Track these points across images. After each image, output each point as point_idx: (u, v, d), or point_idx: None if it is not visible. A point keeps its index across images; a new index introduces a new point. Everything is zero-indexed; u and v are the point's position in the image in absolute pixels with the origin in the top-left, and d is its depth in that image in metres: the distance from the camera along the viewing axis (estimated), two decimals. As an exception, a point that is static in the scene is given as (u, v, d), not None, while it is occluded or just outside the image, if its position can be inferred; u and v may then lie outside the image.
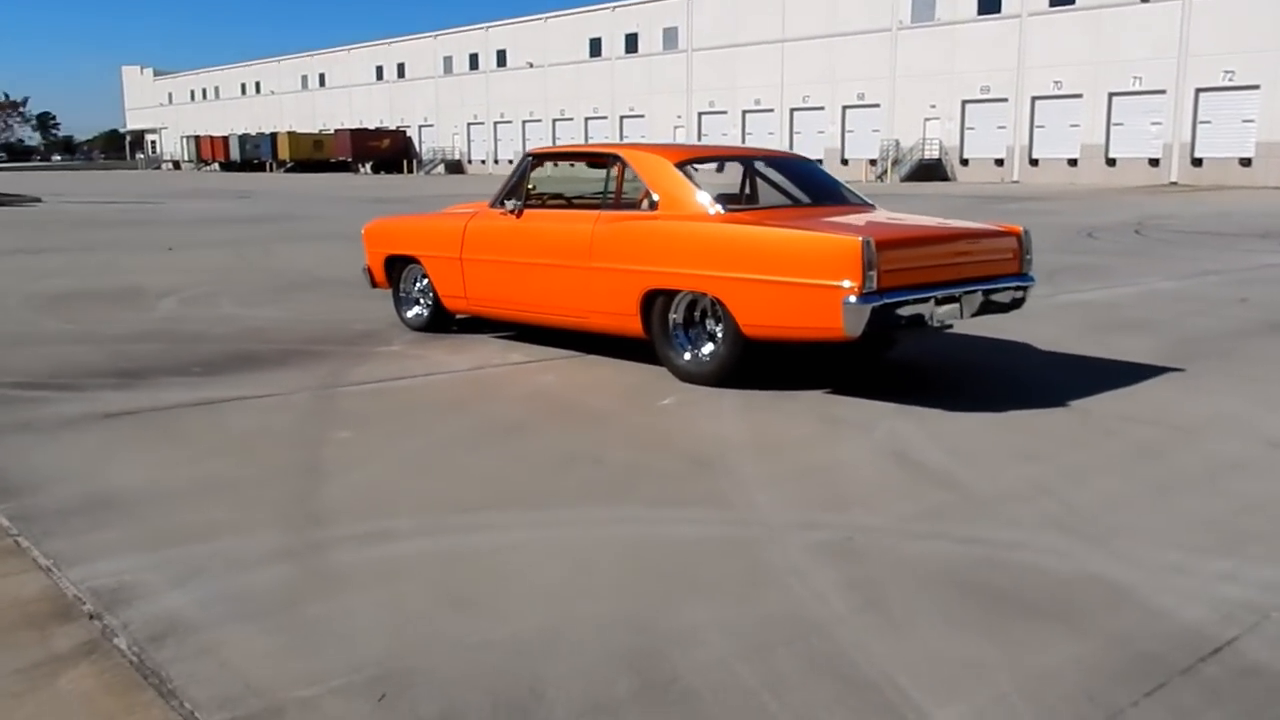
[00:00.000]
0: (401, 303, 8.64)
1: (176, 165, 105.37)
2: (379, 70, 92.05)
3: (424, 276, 8.34)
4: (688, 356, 6.58)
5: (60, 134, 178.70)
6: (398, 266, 8.57)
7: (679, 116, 69.09)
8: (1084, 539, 3.89)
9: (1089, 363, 7.29)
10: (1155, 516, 4.15)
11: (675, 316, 6.62)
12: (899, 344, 7.41)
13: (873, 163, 58.37)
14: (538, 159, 7.86)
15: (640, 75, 71.12)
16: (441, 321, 8.35)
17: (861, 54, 58.67)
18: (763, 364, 6.54)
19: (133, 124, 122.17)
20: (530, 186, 7.63)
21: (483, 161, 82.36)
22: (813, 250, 5.94)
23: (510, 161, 79.34)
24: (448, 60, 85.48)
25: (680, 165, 6.90)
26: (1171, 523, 4.07)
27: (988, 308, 6.56)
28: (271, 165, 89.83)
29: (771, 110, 64.12)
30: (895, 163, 56.90)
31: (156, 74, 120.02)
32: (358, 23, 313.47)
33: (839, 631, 3.07)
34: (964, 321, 6.37)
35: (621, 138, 72.18)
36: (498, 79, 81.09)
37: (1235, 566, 3.63)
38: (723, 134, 66.21)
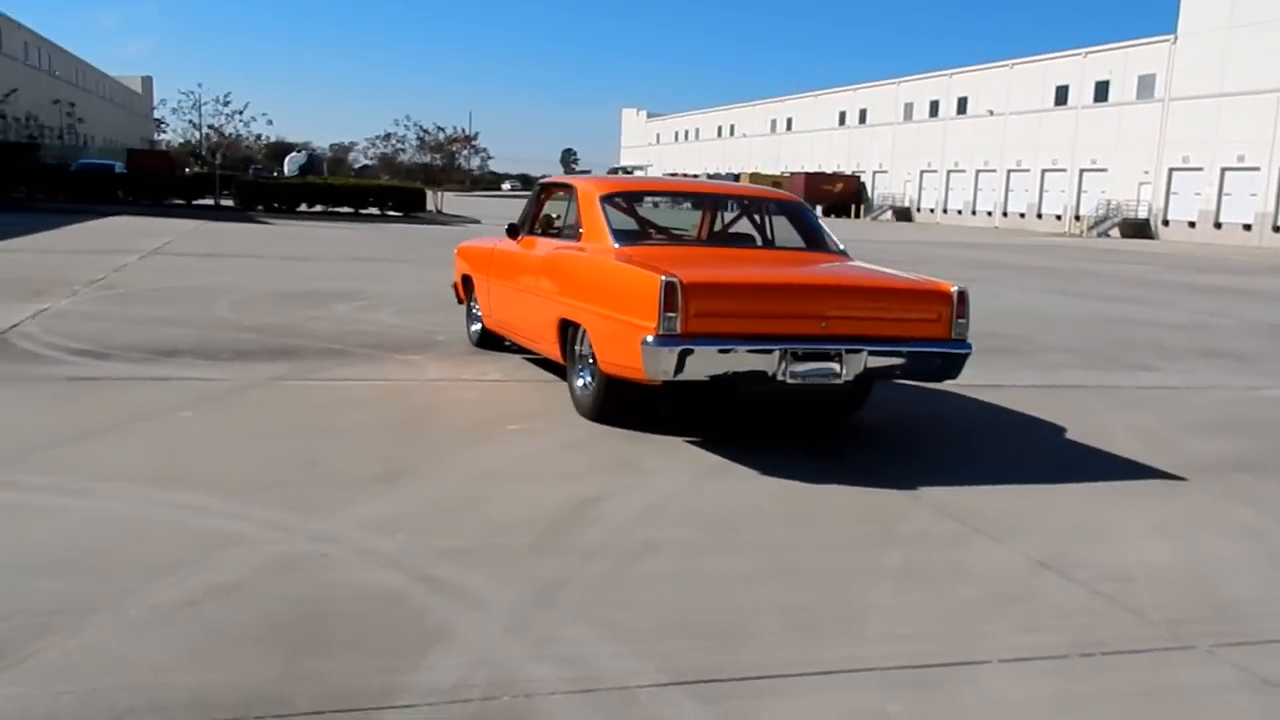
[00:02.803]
0: (468, 319, 9.29)
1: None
2: (841, 115, 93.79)
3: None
4: (579, 387, 6.58)
5: (578, 169, 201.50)
6: (469, 285, 9.22)
7: (1146, 172, 63.12)
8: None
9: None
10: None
11: (579, 348, 6.63)
12: (863, 405, 6.79)
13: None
14: (544, 188, 8.14)
15: (1106, 126, 65.99)
16: (492, 339, 8.80)
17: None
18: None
19: (624, 160, 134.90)
20: (549, 215, 7.79)
21: (931, 210, 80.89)
22: (632, 287, 5.77)
23: (959, 211, 77.17)
24: (908, 107, 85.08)
25: (608, 198, 6.91)
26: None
27: (896, 372, 5.90)
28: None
29: (1258, 169, 56.34)
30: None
31: (649, 116, 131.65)
32: (827, 70, 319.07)
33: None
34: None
35: (1080, 192, 67.55)
36: (955, 126, 79.30)
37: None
38: (1195, 193, 59.54)
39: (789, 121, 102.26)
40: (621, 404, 6.31)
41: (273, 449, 5.45)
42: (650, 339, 5.45)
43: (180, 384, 6.88)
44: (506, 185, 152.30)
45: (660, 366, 5.51)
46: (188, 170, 49.29)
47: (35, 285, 11.82)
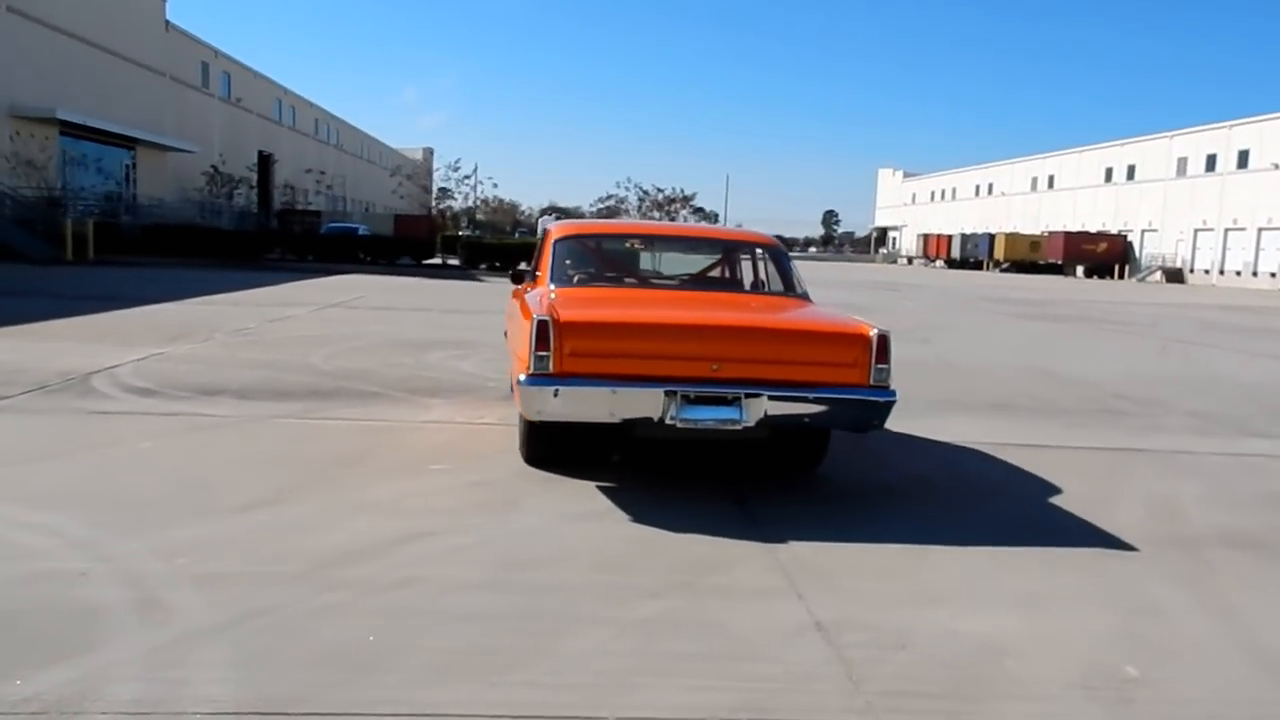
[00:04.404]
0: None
1: (910, 260, 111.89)
2: (1108, 172, 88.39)
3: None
4: (519, 429, 6.58)
5: (840, 229, 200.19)
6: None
7: None
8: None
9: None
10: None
11: (514, 390, 6.64)
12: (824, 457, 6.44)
13: None
14: (544, 235, 8.22)
15: None
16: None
17: None
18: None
19: (880, 221, 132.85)
20: (534, 260, 7.91)
21: (1206, 271, 74.40)
22: (523, 327, 5.76)
23: (1238, 273, 70.88)
24: (1181, 162, 79.03)
25: (564, 239, 6.92)
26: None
27: (806, 420, 5.58)
28: (988, 264, 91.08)
29: None
30: None
31: (905, 176, 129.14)
32: (1092, 124, 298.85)
33: None
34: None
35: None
36: (1235, 182, 72.82)
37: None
38: None
39: (1050, 179, 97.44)
40: (554, 446, 6.26)
41: (181, 476, 5.80)
42: (522, 377, 5.41)
43: (181, 418, 7.43)
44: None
45: (532, 406, 5.45)
46: (460, 233, 52.85)
47: (186, 331, 13.10)
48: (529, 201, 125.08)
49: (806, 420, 5.59)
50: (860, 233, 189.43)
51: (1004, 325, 21.72)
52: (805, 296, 6.76)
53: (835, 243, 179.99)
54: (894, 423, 8.41)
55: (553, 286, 6.51)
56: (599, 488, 5.89)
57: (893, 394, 5.60)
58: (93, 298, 17.85)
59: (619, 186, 63.11)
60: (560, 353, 5.36)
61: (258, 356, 11.04)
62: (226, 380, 9.20)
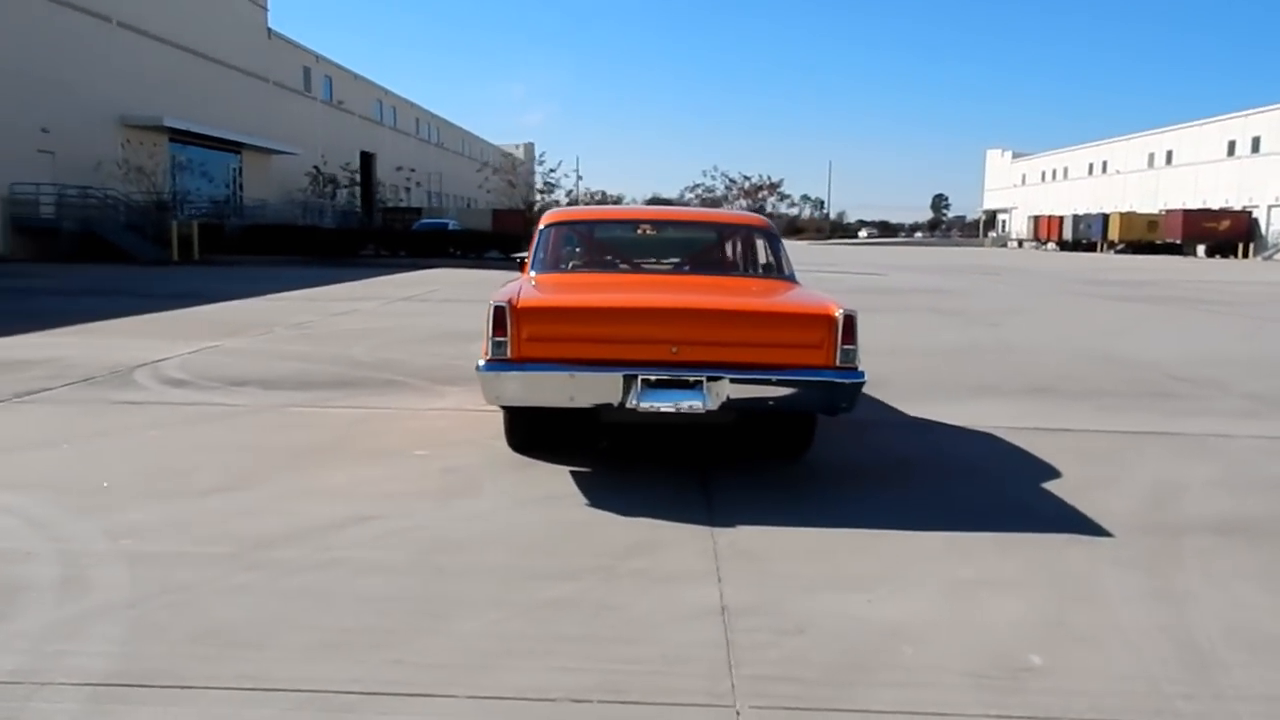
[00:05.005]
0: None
1: (1020, 244, 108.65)
2: (1230, 145, 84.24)
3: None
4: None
5: (950, 214, 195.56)
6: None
7: None
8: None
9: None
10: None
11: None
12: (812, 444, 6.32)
13: None
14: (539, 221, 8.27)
15: None
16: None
17: None
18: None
19: (989, 204, 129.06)
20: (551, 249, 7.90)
21: (1335, 245, 70.40)
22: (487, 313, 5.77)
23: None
24: (1313, 130, 74.92)
25: (553, 226, 6.94)
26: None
27: (770, 403, 5.49)
28: (1101, 245, 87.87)
29: None
30: None
31: (1014, 156, 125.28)
32: (1212, 96, 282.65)
33: None
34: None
35: None
36: (1369, 150, 68.72)
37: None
38: None
39: (1169, 155, 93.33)
40: (535, 432, 6.29)
41: (163, 463, 6.00)
42: (481, 363, 5.45)
43: (197, 408, 7.69)
44: (863, 233, 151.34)
45: (491, 392, 5.48)
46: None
47: (247, 326, 13.55)
48: (633, 193, 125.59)
49: (771, 403, 5.49)
50: (971, 216, 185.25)
51: (1090, 308, 20.93)
52: (792, 278, 6.64)
53: (943, 227, 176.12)
54: (914, 406, 8.26)
55: (533, 273, 6.54)
56: (572, 473, 5.89)
57: (860, 375, 5.46)
58: (175, 296, 18.61)
59: (705, 175, 62.72)
60: (518, 338, 5.38)
61: (302, 349, 11.36)
62: (259, 372, 9.49)
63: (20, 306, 16.18)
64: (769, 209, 45.10)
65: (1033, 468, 6.35)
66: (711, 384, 5.36)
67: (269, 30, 52.04)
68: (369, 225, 52.18)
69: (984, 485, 5.94)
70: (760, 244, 7.05)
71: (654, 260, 7.26)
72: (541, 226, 6.95)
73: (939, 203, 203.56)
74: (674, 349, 5.41)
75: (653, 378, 5.36)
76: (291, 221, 45.01)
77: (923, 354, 11.97)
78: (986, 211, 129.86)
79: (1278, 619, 3.96)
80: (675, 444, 6.71)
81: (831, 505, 5.39)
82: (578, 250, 7.07)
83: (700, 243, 7.28)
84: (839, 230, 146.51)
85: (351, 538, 4.65)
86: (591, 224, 7.62)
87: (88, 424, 7.08)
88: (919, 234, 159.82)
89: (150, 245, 34.28)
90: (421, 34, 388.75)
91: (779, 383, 5.39)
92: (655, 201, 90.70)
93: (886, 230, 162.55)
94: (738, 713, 3.08)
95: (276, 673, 3.25)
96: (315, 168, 53.82)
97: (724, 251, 7.15)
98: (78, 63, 35.76)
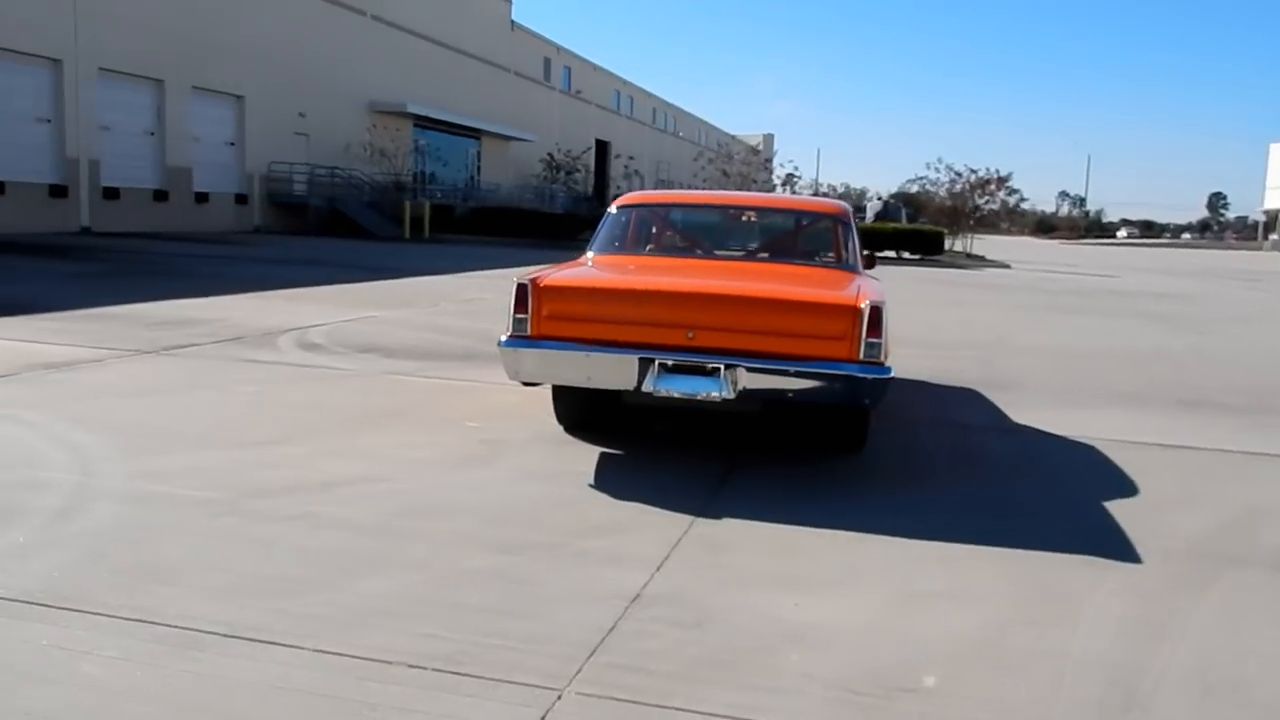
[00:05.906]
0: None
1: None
2: None
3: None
4: (558, 395, 6.70)
5: (1230, 214, 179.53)
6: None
7: None
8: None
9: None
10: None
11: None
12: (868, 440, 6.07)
13: None
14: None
15: None
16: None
17: None
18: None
19: (1270, 203, 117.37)
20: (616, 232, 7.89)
21: None
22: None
23: None
24: None
25: (624, 209, 6.93)
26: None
27: (789, 395, 5.34)
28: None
29: None
30: None
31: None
32: None
33: None
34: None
35: None
36: None
37: None
38: None
39: None
40: (580, 411, 6.34)
41: (232, 415, 6.46)
42: (502, 339, 5.53)
43: (308, 369, 8.21)
44: (1122, 233, 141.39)
45: (511, 368, 5.55)
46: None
47: (419, 299, 14.29)
48: (878, 187, 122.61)
49: (790, 395, 5.28)
50: (1252, 217, 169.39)
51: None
52: (853, 268, 6.34)
53: (1216, 229, 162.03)
54: (1026, 411, 7.68)
55: (590, 254, 6.56)
56: (603, 453, 5.89)
57: (886, 370, 5.16)
58: (377, 269, 19.81)
59: (929, 167, 60.13)
60: (538, 316, 5.42)
61: (450, 323, 11.85)
62: (392, 341, 9.98)
63: (234, 271, 17.69)
64: (992, 204, 42.58)
65: (1108, 484, 5.79)
66: (729, 371, 5.21)
67: (512, 23, 54.25)
68: (597, 211, 53.58)
69: (1034, 497, 5.49)
70: (833, 232, 6.76)
71: (724, 247, 7.11)
72: (612, 209, 6.96)
73: (1216, 202, 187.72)
74: (690, 334, 5.30)
75: (669, 362, 5.27)
76: (520, 205, 46.82)
77: (1084, 357, 11.10)
78: (1268, 212, 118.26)
79: (1266, 664, 3.46)
80: (721, 432, 6.57)
81: (842, 505, 5.13)
82: (642, 234, 7.04)
83: (770, 229, 7.08)
84: (1096, 229, 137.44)
85: (340, 495, 4.84)
86: (660, 208, 7.56)
87: (202, 377, 7.69)
88: (1186, 235, 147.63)
89: (388, 223, 36.63)
90: (671, 25, 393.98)
91: (797, 374, 5.18)
92: (896, 196, 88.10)
93: (1149, 230, 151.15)
94: (559, 696, 3.00)
95: (166, 608, 3.44)
96: (549, 154, 55.74)
97: (793, 239, 6.91)
98: (335, 53, 38.57)
